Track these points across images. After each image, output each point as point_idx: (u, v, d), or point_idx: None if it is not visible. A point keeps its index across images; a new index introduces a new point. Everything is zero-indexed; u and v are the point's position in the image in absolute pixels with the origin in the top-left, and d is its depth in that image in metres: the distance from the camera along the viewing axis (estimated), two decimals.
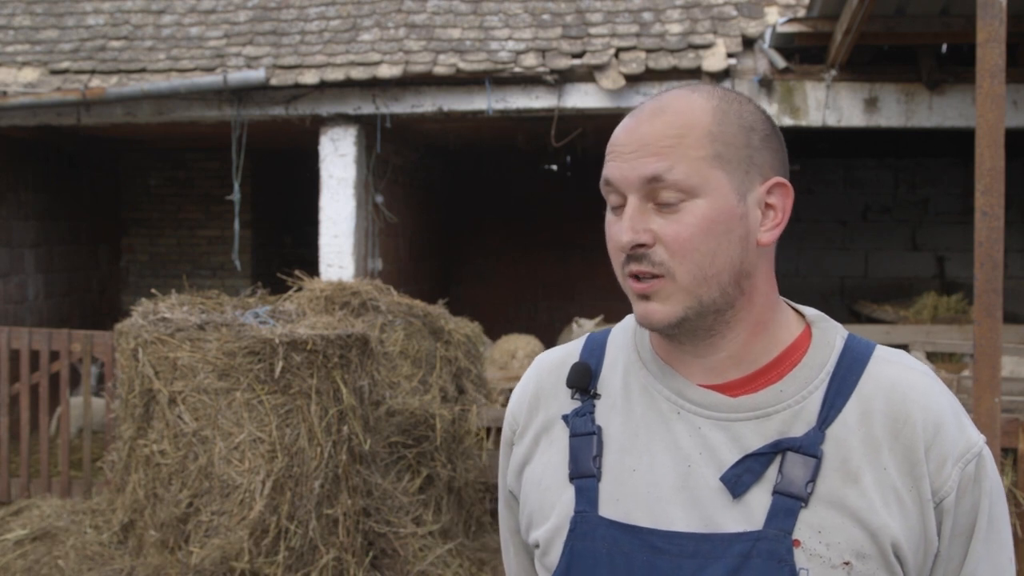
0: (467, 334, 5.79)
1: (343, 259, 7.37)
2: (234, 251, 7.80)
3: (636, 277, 1.16)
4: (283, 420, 4.26)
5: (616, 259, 1.18)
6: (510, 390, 7.35)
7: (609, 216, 1.20)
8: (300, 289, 5.47)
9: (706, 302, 1.15)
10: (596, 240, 11.64)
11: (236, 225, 7.79)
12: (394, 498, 4.69)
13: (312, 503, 4.22)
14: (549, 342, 9.11)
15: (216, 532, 4.19)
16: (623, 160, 1.16)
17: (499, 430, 6.59)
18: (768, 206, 1.19)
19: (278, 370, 4.24)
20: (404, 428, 5.03)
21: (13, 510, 5.42)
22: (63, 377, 6.07)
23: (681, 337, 1.19)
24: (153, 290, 5.27)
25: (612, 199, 1.19)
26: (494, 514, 5.87)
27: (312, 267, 7.11)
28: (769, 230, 1.19)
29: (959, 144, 9.11)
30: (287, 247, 11.02)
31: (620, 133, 1.20)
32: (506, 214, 11.56)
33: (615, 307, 10.70)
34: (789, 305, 1.26)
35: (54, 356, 6.06)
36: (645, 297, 1.16)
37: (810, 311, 1.26)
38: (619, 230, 1.16)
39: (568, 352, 1.34)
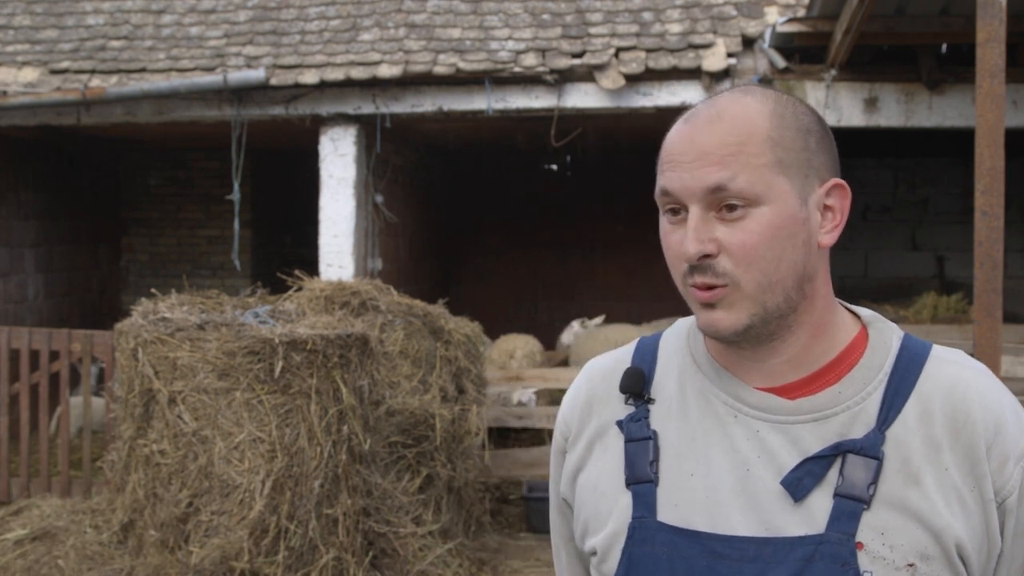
0: (467, 334, 5.80)
1: (343, 259, 7.37)
2: (234, 251, 7.80)
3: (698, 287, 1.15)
4: (283, 420, 4.26)
5: (677, 268, 1.17)
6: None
7: (666, 225, 1.18)
8: (300, 289, 5.47)
9: (771, 308, 1.15)
10: (596, 240, 11.65)
11: (236, 225, 7.79)
12: (394, 498, 4.69)
13: (312, 503, 4.22)
14: (549, 342, 9.12)
15: (216, 532, 4.19)
16: (683, 170, 1.14)
17: (499, 429, 6.60)
18: (827, 208, 1.18)
19: (278, 370, 4.24)
20: (404, 428, 5.03)
21: (13, 510, 5.42)
22: (63, 377, 6.07)
23: (743, 343, 1.18)
24: (153, 290, 5.27)
25: (669, 208, 1.17)
26: (494, 514, 5.87)
27: (312, 267, 7.11)
28: (829, 232, 1.19)
29: (959, 144, 9.10)
30: (287, 247, 11.02)
31: (676, 141, 1.17)
32: (506, 214, 11.55)
33: (615, 307, 10.70)
34: (843, 306, 1.25)
35: (54, 356, 6.06)
36: (710, 305, 1.15)
37: (865, 311, 1.25)
38: (681, 240, 1.15)
39: (619, 358, 1.33)
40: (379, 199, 7.89)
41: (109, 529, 4.64)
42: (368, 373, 4.60)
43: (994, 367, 3.78)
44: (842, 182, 1.19)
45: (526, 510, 5.97)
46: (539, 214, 11.47)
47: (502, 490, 6.22)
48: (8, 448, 6.09)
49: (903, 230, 10.73)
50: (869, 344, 1.21)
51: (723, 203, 1.13)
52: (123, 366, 4.61)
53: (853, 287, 10.61)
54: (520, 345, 7.77)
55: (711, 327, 1.16)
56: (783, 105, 1.17)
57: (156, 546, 4.33)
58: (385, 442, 4.89)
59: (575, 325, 8.65)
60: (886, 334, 1.22)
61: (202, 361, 4.28)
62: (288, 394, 4.27)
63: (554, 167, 11.62)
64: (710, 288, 1.14)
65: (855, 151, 10.35)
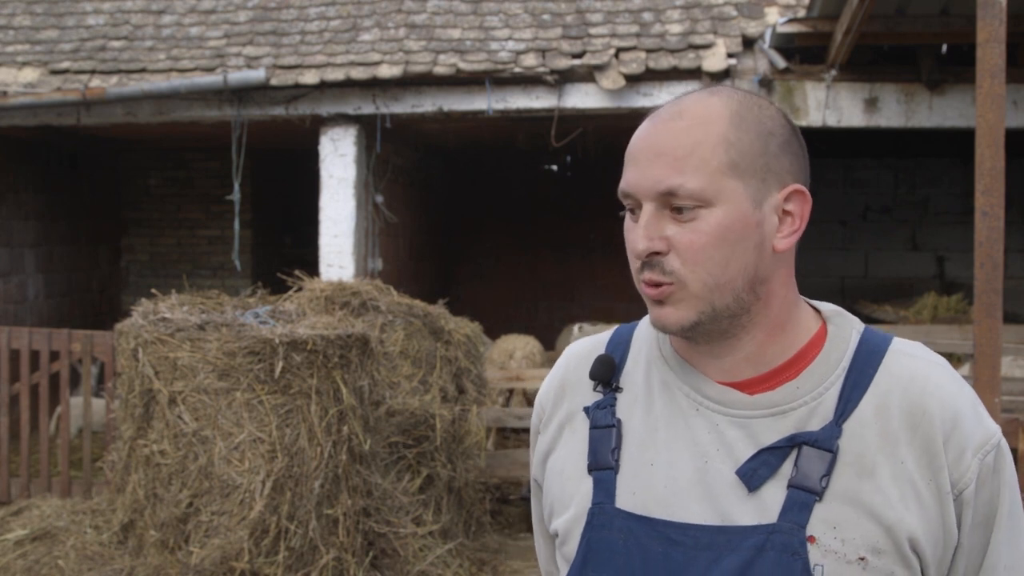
0: (467, 334, 5.79)
1: (343, 259, 7.37)
2: (234, 251, 7.80)
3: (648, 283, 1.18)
4: (283, 420, 4.26)
5: (634, 263, 1.19)
6: (510, 390, 7.36)
7: (627, 221, 1.21)
8: (300, 289, 5.47)
9: (719, 308, 1.16)
10: (596, 240, 11.66)
11: (236, 225, 7.79)
12: (394, 498, 4.69)
13: (312, 503, 4.22)
14: (549, 342, 9.11)
15: (216, 532, 4.19)
16: (639, 168, 1.17)
17: (499, 430, 6.60)
18: (786, 212, 1.19)
19: (278, 370, 4.24)
20: (404, 428, 5.03)
21: (13, 510, 5.42)
22: (63, 377, 6.07)
23: (697, 339, 1.21)
24: (153, 290, 5.27)
25: (630, 204, 1.20)
26: (494, 514, 5.87)
27: (312, 267, 7.11)
28: (785, 237, 1.19)
29: (959, 144, 9.10)
30: (287, 247, 11.02)
31: (637, 138, 1.20)
32: (506, 214, 11.55)
33: (615, 307, 10.70)
34: (806, 302, 1.26)
35: (54, 356, 6.06)
36: (659, 302, 1.18)
37: (826, 306, 1.27)
38: (635, 237, 1.17)
39: (596, 344, 1.35)
40: (379, 199, 7.89)
41: (109, 529, 4.64)
42: (368, 373, 4.60)
43: (994, 367, 3.78)
44: (803, 188, 1.20)
45: (526, 510, 5.97)
46: (539, 214, 11.47)
47: (502, 490, 6.22)
48: (8, 448, 6.09)
49: (903, 230, 10.73)
50: (828, 339, 1.22)
51: (674, 203, 1.14)
52: (123, 366, 4.61)
53: (853, 287, 10.61)
54: (520, 346, 7.76)
55: (659, 322, 1.19)
56: (747, 107, 1.18)
57: (156, 546, 4.33)
58: (385, 442, 4.89)
59: (575, 330, 8.64)
60: (845, 328, 1.23)
61: (202, 361, 4.28)
62: (288, 394, 4.27)
63: (554, 167, 11.61)
64: (657, 285, 1.16)
65: (855, 151, 10.35)
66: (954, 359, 6.86)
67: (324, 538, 4.24)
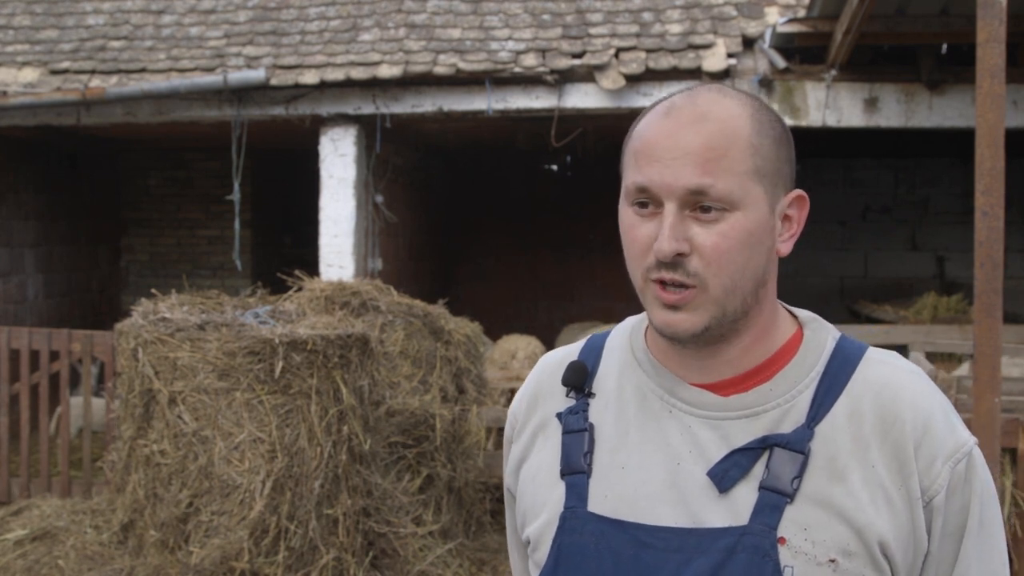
0: (467, 334, 5.79)
1: (343, 259, 7.37)
2: (234, 251, 7.80)
3: (662, 284, 1.15)
4: (283, 420, 4.26)
5: (640, 261, 1.17)
6: (511, 390, 7.35)
7: (632, 217, 1.17)
8: (300, 289, 5.47)
9: (729, 312, 1.16)
10: (596, 240, 11.63)
11: (236, 225, 7.79)
12: (394, 498, 4.69)
13: (312, 503, 4.22)
14: (549, 342, 9.11)
15: (216, 532, 4.19)
16: (664, 166, 1.13)
17: (499, 430, 6.60)
18: (786, 217, 1.20)
19: (278, 370, 4.24)
20: (404, 428, 5.03)
21: (13, 510, 5.42)
22: (63, 377, 6.07)
23: (694, 343, 1.19)
24: (153, 290, 5.26)
25: (640, 200, 1.17)
26: (494, 514, 5.86)
27: (312, 267, 7.11)
28: (786, 241, 1.21)
29: (959, 144, 9.10)
30: (287, 247, 11.02)
31: (657, 136, 1.15)
32: (506, 214, 11.55)
33: (614, 307, 10.69)
34: (783, 307, 1.27)
35: (54, 356, 6.06)
36: (673, 307, 1.16)
37: (803, 313, 1.27)
38: (649, 235, 1.15)
39: (568, 352, 1.35)
40: (379, 199, 7.89)
41: (109, 529, 4.64)
42: (368, 373, 4.60)
43: (994, 367, 3.78)
44: (803, 193, 1.22)
45: None
46: (539, 214, 11.47)
47: (502, 490, 6.22)
48: (8, 448, 6.09)
49: (903, 230, 10.73)
50: (803, 344, 1.22)
51: (699, 204, 1.13)
52: (123, 366, 4.61)
53: (853, 287, 10.60)
54: (522, 346, 7.76)
55: (670, 327, 1.16)
56: (760, 111, 1.18)
57: (156, 546, 4.33)
58: (385, 442, 4.89)
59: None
60: (821, 334, 1.23)
61: (202, 361, 4.28)
62: (288, 394, 4.27)
63: (554, 167, 11.62)
64: (679, 287, 1.14)
65: (855, 151, 10.35)
66: (954, 359, 6.86)
67: (324, 538, 4.24)
